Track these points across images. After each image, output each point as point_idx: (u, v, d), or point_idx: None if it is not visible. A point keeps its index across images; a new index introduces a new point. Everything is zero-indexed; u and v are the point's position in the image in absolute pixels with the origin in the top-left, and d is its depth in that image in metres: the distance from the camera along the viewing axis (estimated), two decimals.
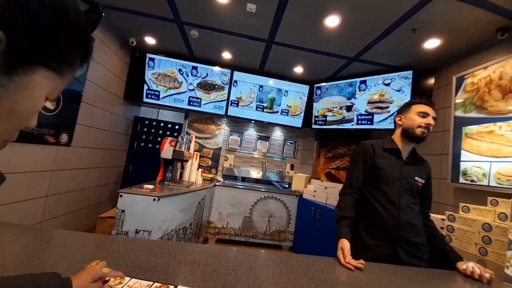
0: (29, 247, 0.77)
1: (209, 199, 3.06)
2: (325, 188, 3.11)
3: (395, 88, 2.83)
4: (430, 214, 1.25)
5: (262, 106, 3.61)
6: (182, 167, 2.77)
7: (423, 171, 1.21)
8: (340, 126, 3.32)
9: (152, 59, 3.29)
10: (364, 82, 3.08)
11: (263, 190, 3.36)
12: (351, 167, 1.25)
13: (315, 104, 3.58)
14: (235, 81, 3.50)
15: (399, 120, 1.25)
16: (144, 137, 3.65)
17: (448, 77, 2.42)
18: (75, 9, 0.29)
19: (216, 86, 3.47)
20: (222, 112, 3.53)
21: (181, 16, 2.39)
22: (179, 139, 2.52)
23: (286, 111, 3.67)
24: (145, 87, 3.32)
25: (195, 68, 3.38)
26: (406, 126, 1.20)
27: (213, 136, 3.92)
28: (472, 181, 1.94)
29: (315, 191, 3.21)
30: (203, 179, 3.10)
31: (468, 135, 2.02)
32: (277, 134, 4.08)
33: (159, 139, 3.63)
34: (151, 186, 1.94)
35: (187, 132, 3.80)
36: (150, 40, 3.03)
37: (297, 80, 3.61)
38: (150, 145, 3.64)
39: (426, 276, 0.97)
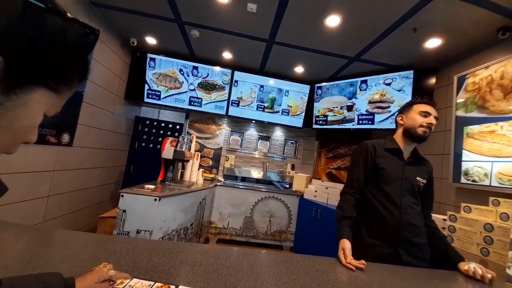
0: (31, 247, 0.77)
1: (210, 199, 3.06)
2: (326, 188, 3.11)
3: (396, 88, 2.83)
4: (432, 214, 1.25)
5: (262, 106, 3.61)
6: (183, 167, 2.78)
7: (424, 171, 1.21)
8: (341, 126, 3.31)
9: (153, 59, 3.29)
10: (365, 82, 3.08)
11: (264, 190, 3.36)
12: (352, 167, 1.25)
13: (315, 104, 3.58)
14: (236, 81, 3.50)
15: (400, 119, 1.24)
16: (145, 137, 3.66)
17: (449, 77, 2.42)
18: (72, 33, 0.31)
19: (217, 86, 3.47)
20: (223, 112, 3.53)
21: (181, 16, 2.39)
22: (180, 139, 2.52)
23: (287, 111, 3.67)
24: (146, 87, 3.32)
25: (195, 68, 3.38)
26: (407, 126, 1.19)
27: (214, 136, 3.92)
28: (473, 181, 1.93)
29: (316, 191, 3.21)
30: (204, 179, 3.10)
31: (470, 135, 2.01)
32: (278, 134, 4.08)
33: (160, 139, 3.63)
34: (152, 186, 1.95)
35: (188, 132, 3.81)
36: (151, 40, 3.03)
37: (297, 80, 3.61)
38: (151, 145, 3.65)
39: (428, 277, 0.97)
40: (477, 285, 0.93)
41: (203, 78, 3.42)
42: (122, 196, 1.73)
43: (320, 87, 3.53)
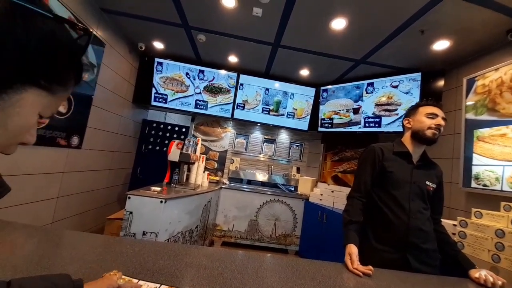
0: (40, 248, 0.78)
1: (215, 202, 3.07)
2: (332, 191, 3.08)
3: (403, 91, 2.79)
4: (441, 220, 1.22)
5: (268, 109, 3.62)
6: (189, 170, 2.80)
7: (434, 175, 1.18)
8: (347, 129, 3.29)
9: (160, 63, 3.35)
10: (371, 84, 3.05)
11: (269, 193, 3.35)
12: (359, 171, 1.23)
13: (321, 107, 3.56)
14: (241, 84, 3.52)
15: (407, 123, 1.23)
16: (152, 139, 3.71)
17: (458, 79, 2.38)
18: (64, 33, 0.31)
19: (223, 89, 3.50)
20: (228, 115, 3.55)
21: (188, 21, 2.43)
22: (186, 141, 2.54)
23: (292, 114, 3.66)
24: (153, 90, 3.37)
25: (202, 71, 3.42)
26: (415, 129, 1.17)
27: (219, 139, 3.94)
28: (484, 185, 1.88)
29: (321, 194, 3.18)
30: (209, 182, 3.12)
31: (480, 138, 1.97)
32: (283, 137, 4.07)
33: (166, 141, 3.68)
34: (158, 188, 1.97)
35: (193, 135, 3.84)
36: (158, 45, 3.09)
37: (303, 82, 3.61)
38: (157, 148, 3.69)
39: (437, 284, 0.95)
40: None
41: (209, 81, 3.46)
42: (129, 198, 1.75)
43: (325, 90, 3.52)
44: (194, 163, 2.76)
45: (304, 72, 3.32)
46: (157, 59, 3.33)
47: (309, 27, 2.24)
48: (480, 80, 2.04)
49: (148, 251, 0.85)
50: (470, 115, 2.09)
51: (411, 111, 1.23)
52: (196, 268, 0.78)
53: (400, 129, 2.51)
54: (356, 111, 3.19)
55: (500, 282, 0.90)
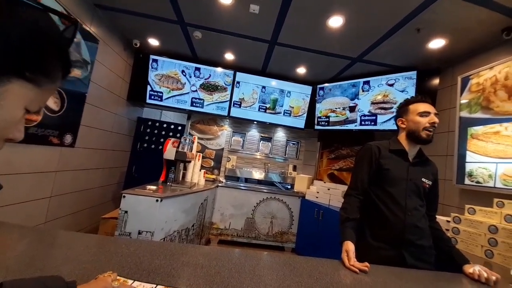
0: (33, 249, 0.77)
1: (211, 200, 3.06)
2: (328, 189, 3.09)
3: (399, 89, 2.81)
4: (436, 216, 1.24)
5: (264, 107, 3.61)
6: (185, 168, 2.78)
7: (430, 172, 1.19)
8: (343, 127, 3.30)
9: (155, 61, 3.30)
10: (367, 82, 3.07)
11: (265, 191, 3.35)
12: (356, 169, 1.24)
13: (318, 105, 3.57)
14: (238, 82, 3.50)
15: (401, 123, 1.23)
16: (147, 138, 3.66)
17: (453, 78, 2.40)
18: (48, 24, 0.30)
19: (219, 87, 3.48)
20: (225, 113, 3.53)
21: (184, 17, 2.40)
22: (182, 140, 2.52)
23: (289, 112, 3.66)
24: (148, 88, 3.33)
25: (198, 69, 3.39)
26: (410, 130, 1.18)
27: (215, 137, 3.92)
28: (477, 182, 1.91)
29: (317, 192, 3.19)
30: (206, 180, 3.10)
31: (474, 136, 2.00)
32: (280, 135, 4.08)
33: (162, 140, 3.64)
34: (154, 187, 1.95)
35: (189, 133, 3.81)
36: (153, 42, 3.04)
37: (299, 81, 3.61)
38: (153, 146, 3.65)
39: (432, 279, 0.96)
40: None
41: (205, 79, 3.43)
42: (124, 197, 1.73)
43: (322, 88, 3.52)
44: (190, 162, 2.74)
45: (301, 70, 3.32)
46: (152, 56, 3.28)
47: (306, 24, 2.24)
48: (475, 78, 2.06)
49: (143, 250, 0.84)
50: (464, 113, 2.11)
51: (403, 110, 1.23)
52: (193, 267, 0.77)
53: (396, 127, 2.52)
54: (352, 109, 3.20)
55: (494, 278, 0.91)
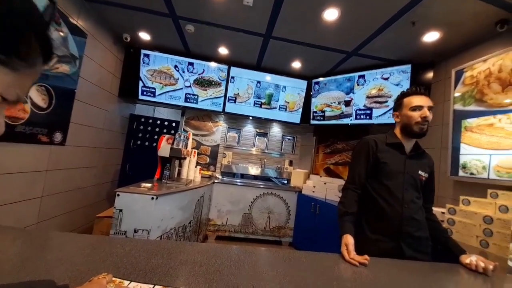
0: (24, 251, 0.74)
1: (208, 197, 3.04)
2: (324, 183, 3.11)
3: (393, 83, 2.82)
4: (432, 208, 1.25)
5: (260, 102, 3.58)
6: (180, 165, 2.74)
7: (426, 165, 1.20)
8: (339, 121, 3.30)
9: (147, 55, 3.22)
10: (362, 76, 3.06)
11: (262, 186, 3.35)
12: (354, 163, 1.24)
13: (313, 100, 3.56)
14: (232, 77, 3.45)
15: (396, 117, 1.24)
16: (140, 135, 3.60)
17: (447, 71, 2.41)
18: (25, 7, 0.28)
19: (213, 83, 3.42)
20: (220, 109, 3.49)
21: (176, 10, 2.33)
22: (177, 136, 2.48)
23: (284, 107, 3.64)
24: (140, 84, 3.25)
25: (191, 64, 3.32)
26: (403, 124, 1.18)
27: (210, 133, 3.88)
28: (471, 174, 1.94)
29: (314, 186, 3.20)
30: (202, 177, 3.07)
31: (468, 128, 2.02)
32: (275, 130, 4.06)
33: (155, 136, 3.58)
34: (149, 185, 1.91)
35: (184, 130, 3.76)
36: (144, 36, 2.96)
37: (295, 75, 3.58)
38: (146, 143, 3.59)
39: (431, 270, 0.97)
40: (480, 277, 0.92)
41: (199, 74, 3.36)
42: (118, 195, 1.70)
43: (317, 83, 3.50)
44: (185, 158, 2.70)
45: (296, 65, 3.29)
46: (143, 51, 3.20)
47: (301, 17, 2.20)
48: (469, 71, 2.08)
49: (139, 250, 0.81)
50: (458, 106, 2.13)
51: (398, 104, 1.23)
52: (191, 265, 0.75)
53: (391, 120, 2.53)
54: (347, 103, 3.20)
55: (491, 266, 0.92)
